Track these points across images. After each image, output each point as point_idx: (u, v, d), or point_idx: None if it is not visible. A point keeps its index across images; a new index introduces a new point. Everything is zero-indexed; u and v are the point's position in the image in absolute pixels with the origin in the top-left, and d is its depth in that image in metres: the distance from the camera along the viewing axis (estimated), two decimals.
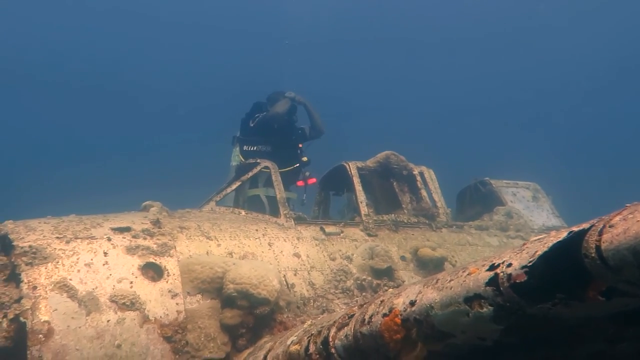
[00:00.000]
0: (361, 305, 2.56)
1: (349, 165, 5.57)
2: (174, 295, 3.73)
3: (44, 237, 3.68)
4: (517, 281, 1.67)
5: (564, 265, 1.56)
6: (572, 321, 1.74)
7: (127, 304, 3.50)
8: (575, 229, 1.55)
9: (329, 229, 4.94)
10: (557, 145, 30.46)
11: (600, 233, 1.46)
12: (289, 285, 4.28)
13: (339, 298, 4.39)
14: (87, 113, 31.82)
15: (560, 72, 34.14)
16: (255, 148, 7.20)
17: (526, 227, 5.76)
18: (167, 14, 34.77)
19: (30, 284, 3.34)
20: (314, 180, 7.16)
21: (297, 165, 7.23)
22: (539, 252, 1.66)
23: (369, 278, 4.57)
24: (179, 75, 34.79)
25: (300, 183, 7.31)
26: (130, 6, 33.59)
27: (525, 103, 34.57)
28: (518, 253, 1.77)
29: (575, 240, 1.52)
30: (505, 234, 5.65)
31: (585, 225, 1.52)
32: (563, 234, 1.60)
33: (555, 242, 1.60)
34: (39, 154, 28.66)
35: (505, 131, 32.47)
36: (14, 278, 3.43)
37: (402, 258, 4.86)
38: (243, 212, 5.09)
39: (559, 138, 32.15)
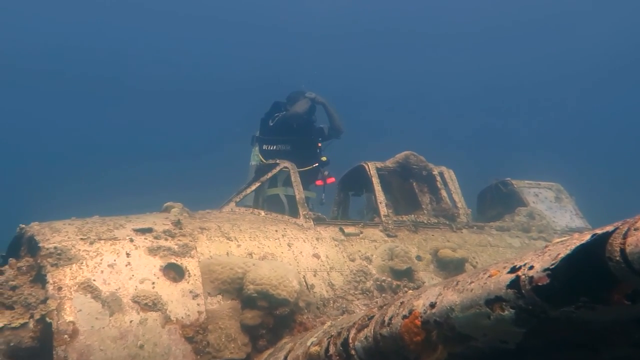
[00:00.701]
0: (381, 307, 2.56)
1: (368, 166, 5.56)
2: (195, 296, 3.76)
3: (68, 238, 3.75)
4: (539, 284, 1.65)
5: (588, 269, 1.55)
6: (596, 325, 1.72)
7: (149, 304, 3.55)
8: (598, 231, 1.53)
9: (348, 229, 4.94)
10: (581, 143, 30.01)
11: (625, 236, 1.44)
12: (309, 286, 4.29)
13: (358, 299, 4.38)
14: (110, 117, 32.35)
15: (585, 61, 33.34)
16: (274, 147, 7.25)
17: (549, 228, 5.69)
18: (184, 13, 35.02)
19: (56, 284, 3.41)
20: (332, 179, 7.17)
21: (316, 164, 7.25)
22: (562, 255, 1.64)
23: (389, 279, 4.56)
24: (200, 76, 35.10)
25: (319, 182, 7.34)
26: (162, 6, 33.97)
27: (549, 100, 34.10)
28: (540, 255, 1.76)
29: (599, 243, 1.50)
30: (527, 235, 5.58)
31: (609, 228, 1.50)
32: (586, 237, 1.58)
33: (578, 244, 1.58)
34: (66, 158, 29.17)
35: (527, 130, 32.07)
36: (40, 279, 3.50)
37: (418, 258, 4.83)
38: (262, 213, 5.12)
39: (585, 135, 31.64)
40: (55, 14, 32.48)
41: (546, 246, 1.85)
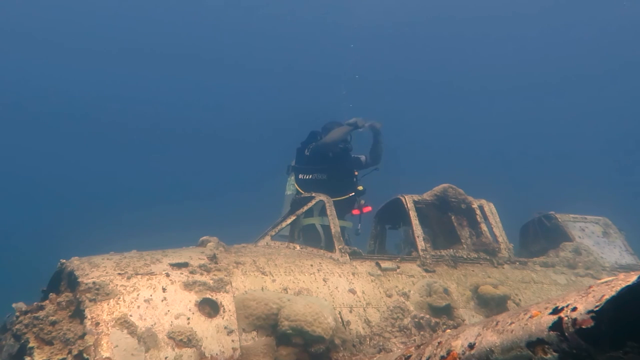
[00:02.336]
0: (418, 346, 2.52)
1: (405, 199, 5.54)
2: (230, 332, 3.78)
3: (106, 273, 3.84)
4: (584, 327, 1.61)
5: (635, 311, 1.49)
6: None
7: (184, 340, 3.58)
8: None
9: (385, 264, 4.90)
10: (631, 175, 29.03)
11: None
12: (345, 323, 4.25)
13: (395, 337, 4.31)
14: (153, 160, 33.52)
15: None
16: (310, 176, 7.31)
17: (596, 265, 5.50)
18: (214, 57, 36.17)
19: (93, 320, 3.48)
20: (369, 208, 7.18)
21: (352, 193, 7.27)
22: (607, 296, 1.60)
23: (427, 316, 4.47)
24: (231, 119, 36.01)
25: (355, 211, 7.34)
26: (194, 50, 35.33)
27: (594, 128, 33.30)
28: (584, 296, 1.71)
29: None
30: (573, 271, 5.42)
31: None
32: (633, 277, 1.54)
33: (624, 286, 1.53)
34: (108, 197, 30.19)
35: (571, 160, 31.27)
36: (79, 314, 3.59)
37: (456, 294, 4.73)
38: (298, 247, 5.13)
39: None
40: (85, 63, 34.18)
41: (590, 287, 1.80)
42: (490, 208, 5.74)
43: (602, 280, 1.81)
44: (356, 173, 7.56)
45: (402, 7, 32.22)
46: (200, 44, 35.47)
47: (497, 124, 34.39)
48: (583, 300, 1.69)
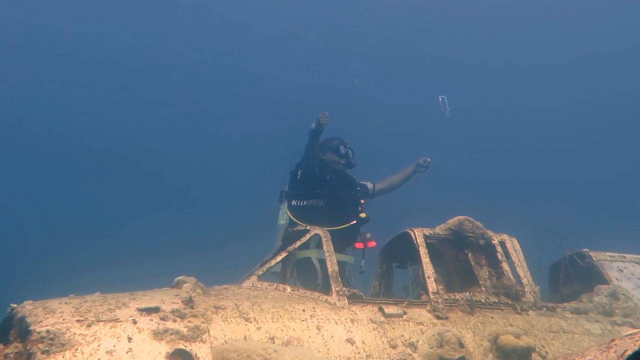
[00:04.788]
0: None
1: (414, 233, 5.51)
2: None
3: (63, 320, 3.79)
4: None
5: None
6: None
7: None
8: None
9: (389, 309, 4.84)
10: None
11: None
12: None
13: None
14: (110, 183, 33.37)
15: None
16: (304, 203, 7.27)
17: (636, 312, 5.42)
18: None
19: None
20: (373, 243, 7.12)
21: (354, 222, 7.22)
22: (629, 352, 1.59)
23: None
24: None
25: (359, 245, 7.25)
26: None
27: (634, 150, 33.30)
28: (604, 351, 1.69)
29: None
30: (609, 319, 5.34)
31: None
32: None
33: None
34: (66, 226, 30.04)
35: (606, 189, 31.11)
36: None
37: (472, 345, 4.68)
38: (289, 289, 5.10)
39: None
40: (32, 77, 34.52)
41: (612, 340, 1.79)
42: (513, 244, 5.70)
43: (627, 333, 1.80)
44: (362, 201, 7.54)
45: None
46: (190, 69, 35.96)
47: (520, 143, 34.39)
48: (604, 356, 1.67)
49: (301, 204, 7.26)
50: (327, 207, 7.17)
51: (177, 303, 4.25)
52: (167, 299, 4.29)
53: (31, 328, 3.68)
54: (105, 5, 35.18)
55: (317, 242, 6.42)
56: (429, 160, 7.93)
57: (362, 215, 7.30)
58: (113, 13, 35.43)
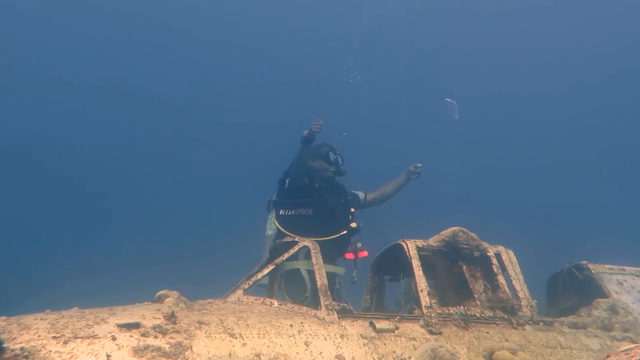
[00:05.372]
0: None
1: (406, 244, 5.51)
2: None
3: (38, 337, 3.74)
4: None
5: None
6: None
7: None
8: None
9: (381, 324, 4.82)
10: None
11: None
12: None
13: None
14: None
15: None
16: (293, 212, 7.23)
17: (636, 326, 5.40)
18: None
19: None
20: (365, 253, 7.13)
21: (344, 232, 7.20)
22: None
23: None
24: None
25: (349, 255, 7.25)
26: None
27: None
28: None
29: None
30: (608, 334, 5.31)
31: None
32: None
33: None
34: (43, 236, 29.82)
35: (609, 198, 31.26)
36: None
37: None
38: (276, 303, 5.08)
39: None
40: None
41: (608, 356, 1.78)
42: (509, 256, 5.71)
43: (623, 348, 1.79)
44: (352, 210, 7.53)
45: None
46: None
47: (520, 154, 34.53)
48: None
49: (289, 213, 7.23)
50: (316, 216, 7.14)
51: (159, 318, 4.21)
52: (148, 314, 4.25)
53: (4, 345, 3.63)
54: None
55: (306, 253, 6.39)
56: (420, 165, 7.89)
57: (353, 225, 7.27)
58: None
